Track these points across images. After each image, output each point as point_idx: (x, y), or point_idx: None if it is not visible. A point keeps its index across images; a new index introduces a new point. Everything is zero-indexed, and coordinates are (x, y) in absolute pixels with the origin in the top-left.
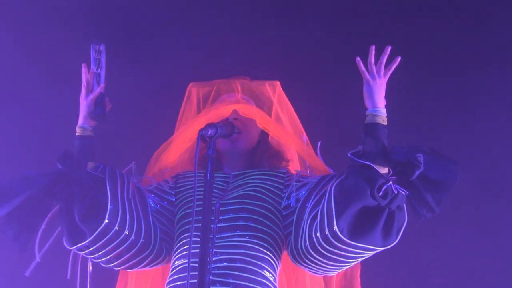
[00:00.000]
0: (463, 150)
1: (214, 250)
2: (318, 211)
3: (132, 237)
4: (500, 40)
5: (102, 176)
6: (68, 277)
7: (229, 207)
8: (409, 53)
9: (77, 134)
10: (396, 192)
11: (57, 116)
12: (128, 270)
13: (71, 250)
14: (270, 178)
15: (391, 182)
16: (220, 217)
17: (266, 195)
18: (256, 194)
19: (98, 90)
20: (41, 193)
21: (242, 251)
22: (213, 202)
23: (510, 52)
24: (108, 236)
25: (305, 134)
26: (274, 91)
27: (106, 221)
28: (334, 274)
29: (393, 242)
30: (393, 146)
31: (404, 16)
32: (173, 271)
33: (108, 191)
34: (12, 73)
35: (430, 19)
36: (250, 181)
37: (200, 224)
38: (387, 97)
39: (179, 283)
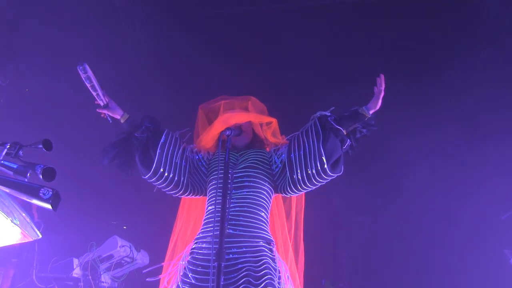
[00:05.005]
0: None
1: (231, 201)
2: (308, 158)
3: (170, 176)
4: None
5: (158, 141)
6: None
7: (238, 174)
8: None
9: (125, 121)
10: (349, 143)
11: None
12: (174, 196)
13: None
14: (259, 153)
15: (348, 140)
16: (234, 181)
17: (259, 164)
18: (253, 165)
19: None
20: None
21: (248, 200)
22: (229, 171)
23: None
24: (157, 175)
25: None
26: (248, 101)
27: (154, 166)
28: (301, 193)
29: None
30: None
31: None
32: (207, 213)
33: (158, 150)
34: None
35: None
36: (250, 157)
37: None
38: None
39: (210, 220)
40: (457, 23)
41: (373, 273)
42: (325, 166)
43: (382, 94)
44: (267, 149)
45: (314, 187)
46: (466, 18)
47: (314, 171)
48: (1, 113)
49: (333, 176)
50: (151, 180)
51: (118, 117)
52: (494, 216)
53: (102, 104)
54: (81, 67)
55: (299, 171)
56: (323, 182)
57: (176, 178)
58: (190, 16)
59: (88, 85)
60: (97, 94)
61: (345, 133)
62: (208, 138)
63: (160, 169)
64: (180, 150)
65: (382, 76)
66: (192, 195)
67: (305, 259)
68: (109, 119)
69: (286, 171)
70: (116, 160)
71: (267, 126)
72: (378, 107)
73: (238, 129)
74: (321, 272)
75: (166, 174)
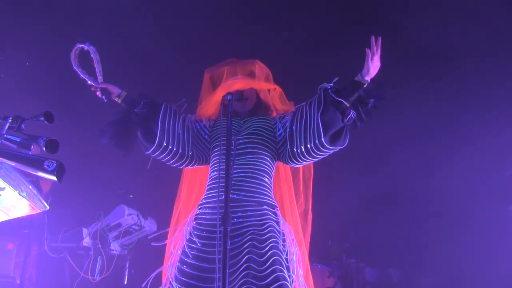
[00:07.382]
0: None
1: (235, 166)
2: (308, 131)
3: (174, 149)
4: None
5: (158, 115)
6: None
7: (242, 141)
8: None
9: (122, 100)
10: (353, 117)
11: None
12: (179, 167)
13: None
14: (264, 121)
15: (351, 112)
16: (237, 147)
17: (263, 131)
18: (257, 131)
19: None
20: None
21: (251, 166)
22: (232, 137)
23: None
24: (161, 148)
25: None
26: (255, 65)
27: (157, 140)
28: (303, 165)
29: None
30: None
31: None
32: (210, 179)
33: (159, 123)
34: None
35: None
36: (253, 124)
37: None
38: None
39: (214, 185)
40: None
41: (378, 233)
42: (322, 139)
43: (375, 57)
44: (274, 114)
45: (316, 159)
46: None
47: (312, 145)
48: (2, 88)
49: (334, 149)
50: (154, 155)
51: (118, 92)
52: (499, 173)
53: (99, 81)
54: (87, 43)
55: (298, 144)
56: (325, 154)
57: (180, 151)
58: None
59: (94, 59)
60: (100, 71)
61: (347, 105)
62: (210, 104)
63: (163, 142)
64: (181, 121)
65: (379, 39)
66: (197, 165)
67: (312, 221)
68: (104, 98)
69: (287, 144)
70: (114, 140)
71: (275, 92)
72: (371, 72)
73: (239, 94)
74: (327, 233)
75: (170, 147)
